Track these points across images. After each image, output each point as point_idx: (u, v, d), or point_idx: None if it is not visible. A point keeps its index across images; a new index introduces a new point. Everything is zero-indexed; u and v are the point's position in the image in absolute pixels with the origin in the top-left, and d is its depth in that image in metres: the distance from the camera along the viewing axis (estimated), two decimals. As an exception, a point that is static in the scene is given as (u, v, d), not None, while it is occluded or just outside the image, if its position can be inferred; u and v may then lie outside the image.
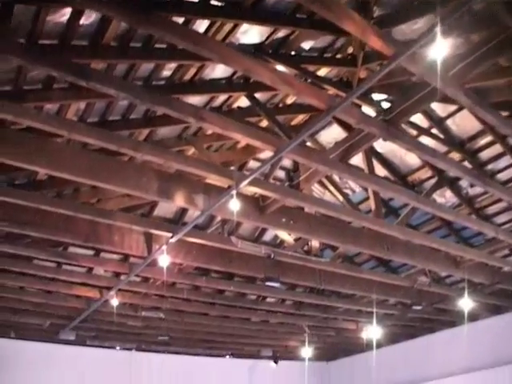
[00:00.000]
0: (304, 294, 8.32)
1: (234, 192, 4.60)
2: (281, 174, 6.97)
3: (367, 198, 6.91)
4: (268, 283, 6.27)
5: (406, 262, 7.35)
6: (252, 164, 6.70)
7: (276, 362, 11.62)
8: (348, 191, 7.48)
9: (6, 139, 4.25)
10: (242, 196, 5.01)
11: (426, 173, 7.17)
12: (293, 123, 6.44)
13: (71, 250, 7.11)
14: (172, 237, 5.48)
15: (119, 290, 7.46)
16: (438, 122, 6.37)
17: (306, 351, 10.77)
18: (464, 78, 4.07)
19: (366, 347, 11.97)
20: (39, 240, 6.47)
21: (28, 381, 10.03)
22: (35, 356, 10.22)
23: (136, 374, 10.95)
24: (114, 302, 7.44)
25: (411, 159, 7.01)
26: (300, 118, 6.48)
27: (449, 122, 6.39)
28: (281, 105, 6.05)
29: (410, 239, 6.66)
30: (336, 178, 7.20)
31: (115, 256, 7.52)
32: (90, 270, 7.48)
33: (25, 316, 8.93)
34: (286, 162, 6.81)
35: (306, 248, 7.06)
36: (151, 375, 11.17)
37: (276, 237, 7.69)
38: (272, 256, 6.02)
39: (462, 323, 10.72)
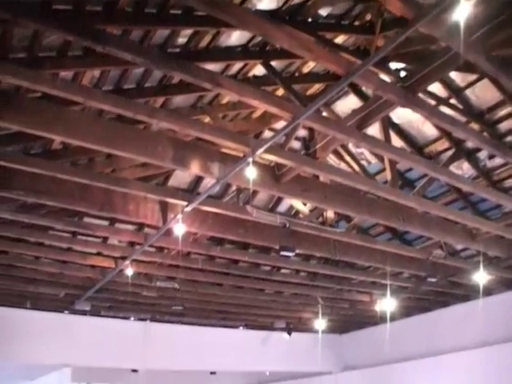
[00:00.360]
0: (318, 265, 8.35)
1: (250, 159, 4.60)
2: (296, 145, 6.96)
3: (383, 170, 6.89)
4: (283, 253, 6.29)
5: (422, 233, 7.33)
6: (267, 134, 6.69)
7: (289, 334, 11.72)
8: (364, 162, 7.45)
9: (23, 108, 4.28)
10: (257, 165, 5.00)
11: (443, 144, 7.12)
12: (308, 93, 6.41)
13: (86, 220, 7.21)
14: (187, 205, 5.52)
15: (134, 259, 7.55)
16: (457, 91, 6.30)
17: (320, 323, 10.85)
18: (487, 43, 4.00)
19: (380, 320, 12.07)
20: (55, 210, 6.56)
21: (43, 351, 10.23)
22: (50, 326, 10.40)
23: (150, 345, 11.12)
24: (129, 271, 7.52)
25: (428, 130, 6.96)
26: (316, 88, 6.45)
27: (468, 91, 6.31)
28: (297, 74, 6.01)
29: (426, 210, 6.65)
30: (352, 148, 7.18)
31: (130, 226, 7.60)
32: (105, 239, 7.55)
33: (40, 286, 9.05)
34: (302, 133, 6.79)
35: (320, 219, 7.10)
36: (165, 346, 11.32)
37: (291, 208, 7.72)
38: (287, 225, 6.04)
39: (476, 297, 10.76)
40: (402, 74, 5.58)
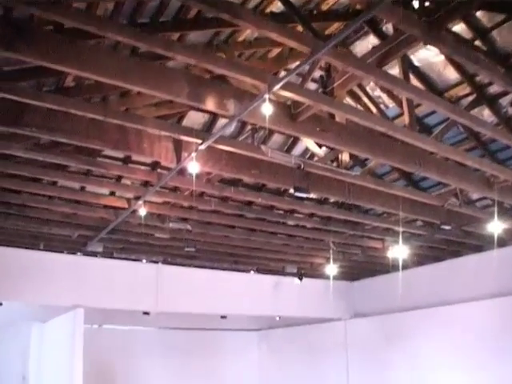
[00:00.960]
0: (332, 209, 8.41)
1: (266, 96, 4.58)
2: (313, 86, 6.90)
3: (401, 114, 6.83)
4: (297, 194, 6.33)
5: (438, 179, 7.32)
6: (283, 75, 6.63)
7: (300, 279, 11.90)
8: (381, 107, 7.38)
9: (35, 40, 4.24)
10: (273, 103, 4.99)
11: (464, 89, 6.99)
12: (327, 32, 6.31)
13: (100, 159, 7.26)
14: (201, 143, 5.54)
15: (147, 200, 7.64)
16: (483, 32, 6.15)
17: (331, 269, 11.00)
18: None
19: (391, 268, 12.21)
20: (69, 150, 6.62)
21: (56, 292, 10.49)
22: (63, 268, 10.64)
23: (161, 287, 11.37)
24: (142, 212, 7.62)
25: (450, 74, 6.83)
26: (335, 27, 6.33)
27: (494, 33, 6.16)
28: (315, 11, 5.90)
29: (443, 154, 6.63)
30: (370, 91, 7.12)
31: (143, 167, 7.66)
32: (119, 179, 7.62)
33: (54, 227, 9.21)
34: (319, 74, 6.71)
35: (335, 164, 7.11)
36: (176, 288, 11.58)
37: (306, 151, 7.72)
38: (302, 167, 6.06)
39: (490, 248, 10.84)
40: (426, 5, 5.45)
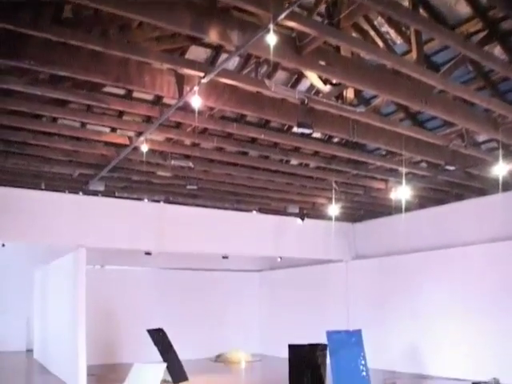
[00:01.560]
0: (336, 147, 8.39)
1: (271, 25, 4.51)
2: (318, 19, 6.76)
3: (408, 52, 6.71)
4: (300, 129, 6.31)
5: (444, 117, 7.27)
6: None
7: (302, 219, 12.01)
8: (389, 42, 7.24)
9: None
10: (278, 34, 4.89)
11: (475, 25, 6.84)
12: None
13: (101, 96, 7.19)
14: (204, 76, 5.49)
15: (149, 137, 7.63)
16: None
17: (333, 209, 11.08)
18: None
19: (393, 210, 12.30)
20: (69, 85, 6.55)
21: (58, 232, 10.61)
22: (65, 207, 10.72)
23: (163, 227, 11.49)
24: (144, 148, 7.62)
25: (461, 8, 6.67)
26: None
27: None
28: None
29: (451, 92, 6.56)
30: (377, 25, 6.98)
31: (145, 103, 7.58)
32: (120, 115, 7.58)
33: (55, 165, 9.23)
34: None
35: (340, 101, 7.04)
36: (178, 228, 11.70)
37: (310, 88, 7.64)
38: (305, 102, 6.03)
39: (493, 192, 10.87)
40: None
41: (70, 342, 11.09)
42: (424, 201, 12.14)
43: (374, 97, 7.50)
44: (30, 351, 17.27)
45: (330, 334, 10.24)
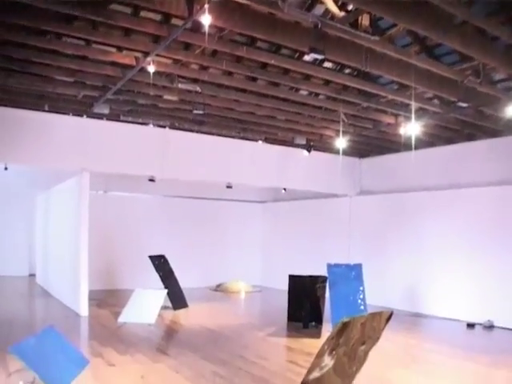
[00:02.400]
0: (348, 77, 8.26)
1: None
2: None
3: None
4: (312, 54, 6.19)
5: (463, 50, 7.12)
6: None
7: (309, 151, 12.00)
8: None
9: None
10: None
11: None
12: None
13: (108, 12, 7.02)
14: (215, -5, 5.36)
15: (157, 58, 7.53)
16: None
17: (341, 142, 11.05)
18: None
19: (402, 147, 12.27)
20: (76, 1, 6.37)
21: (61, 155, 10.63)
22: (69, 130, 10.71)
23: (168, 153, 11.51)
24: (151, 69, 7.53)
25: None
26: None
27: None
28: None
29: (473, 22, 6.39)
30: None
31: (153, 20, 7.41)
32: (127, 33, 7.43)
33: (59, 86, 9.12)
34: None
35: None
36: (183, 155, 11.73)
37: (325, 13, 7.45)
38: (319, 26, 5.90)
39: (505, 134, 10.80)
40: None
41: (73, 267, 11.35)
42: (433, 139, 12.08)
43: (390, 27, 7.31)
44: (32, 276, 17.71)
45: (330, 266, 10.45)
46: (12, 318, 10.27)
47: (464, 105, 9.03)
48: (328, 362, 3.31)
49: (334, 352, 3.27)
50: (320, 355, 3.22)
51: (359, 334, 3.43)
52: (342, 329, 3.15)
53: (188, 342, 8.82)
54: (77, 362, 6.76)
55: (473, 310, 10.85)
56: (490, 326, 10.36)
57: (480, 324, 10.53)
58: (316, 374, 3.38)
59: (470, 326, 10.49)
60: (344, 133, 10.93)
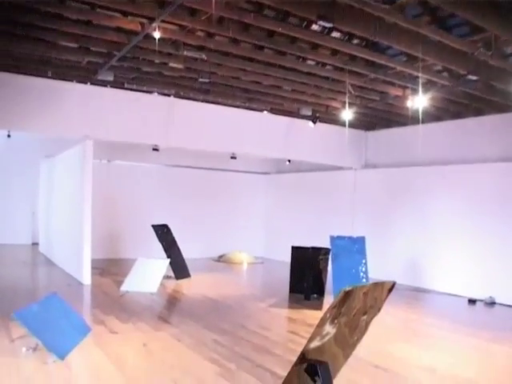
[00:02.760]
0: (356, 47, 8.15)
1: None
2: None
3: None
4: (321, 22, 6.11)
5: (474, 20, 7.00)
6: None
7: (314, 123, 11.93)
8: None
9: None
10: None
11: None
12: None
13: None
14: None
15: (162, 24, 7.44)
16: None
17: (347, 113, 10.97)
18: None
19: (408, 120, 12.20)
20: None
21: (65, 123, 10.60)
22: (73, 97, 10.66)
23: (173, 122, 11.47)
24: (156, 35, 7.45)
25: None
26: None
27: None
28: None
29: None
30: None
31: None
32: (132, -1, 7.33)
33: (63, 52, 9.02)
34: None
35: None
36: (188, 124, 11.68)
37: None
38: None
39: (514, 110, 10.70)
40: None
41: (76, 235, 11.41)
42: (441, 113, 11.99)
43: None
44: (35, 244, 17.83)
45: (333, 238, 10.49)
46: (15, 286, 10.38)
47: (474, 78, 8.94)
48: (329, 330, 3.33)
49: (335, 321, 3.28)
50: (321, 324, 3.24)
51: (361, 304, 3.44)
52: (344, 298, 3.16)
53: (190, 311, 8.91)
54: (79, 329, 6.86)
55: (474, 287, 10.91)
56: (491, 303, 10.42)
57: (481, 300, 10.59)
58: (317, 342, 3.40)
59: (472, 301, 10.56)
60: (350, 104, 10.84)
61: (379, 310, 3.83)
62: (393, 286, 3.72)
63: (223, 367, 5.79)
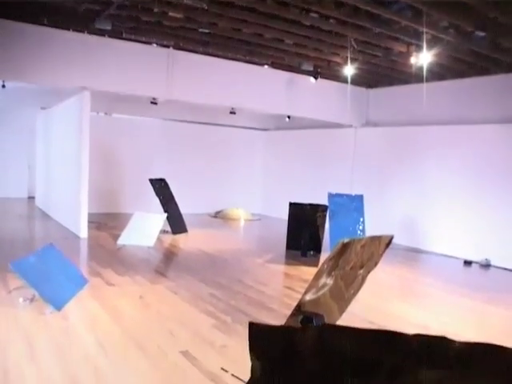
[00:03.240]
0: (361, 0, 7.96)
1: None
2: None
3: None
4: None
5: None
6: None
7: (315, 78, 11.77)
8: None
9: None
10: None
11: None
12: None
13: None
14: None
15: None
16: None
17: (349, 69, 10.81)
18: None
19: (411, 78, 12.05)
20: None
21: (61, 73, 10.43)
22: (70, 46, 10.45)
23: (172, 74, 11.31)
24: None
25: None
26: None
27: None
28: None
29: None
30: None
31: None
32: None
33: (59, -4, 8.83)
34: None
35: None
36: (187, 76, 11.52)
37: None
38: None
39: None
40: None
41: (73, 189, 11.40)
42: (444, 71, 11.81)
43: None
44: (31, 198, 17.85)
45: (331, 196, 10.51)
46: (12, 238, 10.43)
47: (481, 34, 8.78)
48: (326, 282, 3.36)
49: (332, 273, 3.31)
50: (318, 276, 3.26)
51: (358, 257, 3.46)
52: (342, 250, 3.17)
53: (186, 265, 8.98)
54: (76, 280, 6.92)
55: (470, 249, 10.97)
56: (486, 265, 10.50)
57: (477, 262, 10.68)
58: (312, 295, 3.43)
59: (467, 263, 10.64)
60: (353, 60, 10.68)
61: (376, 264, 3.85)
62: (390, 240, 3.73)
63: (219, 320, 5.87)
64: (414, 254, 11.54)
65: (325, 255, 10.04)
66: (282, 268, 9.36)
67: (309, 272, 8.81)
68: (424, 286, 8.57)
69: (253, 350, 1.79)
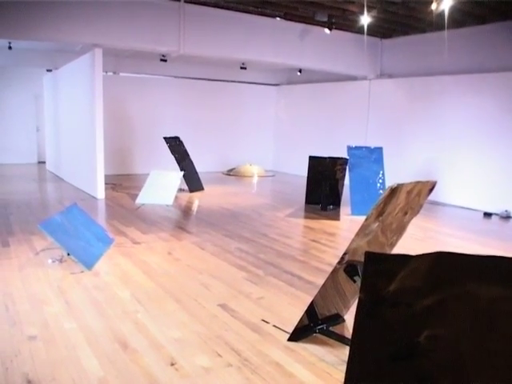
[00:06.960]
0: None
1: None
2: None
3: None
4: None
5: None
6: None
7: (330, 29, 11.57)
8: None
9: None
10: None
11: None
12: None
13: None
14: None
15: None
16: None
17: (365, 18, 10.59)
18: None
19: (429, 27, 11.81)
20: None
21: (72, 30, 10.23)
22: (78, 2, 10.25)
23: (184, 28, 11.11)
24: None
25: None
26: None
27: None
28: None
29: None
30: None
31: None
32: None
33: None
34: None
35: None
36: (198, 29, 11.31)
37: None
38: None
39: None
40: None
41: (88, 150, 11.38)
42: (464, 17, 11.51)
43: None
44: (41, 163, 17.85)
45: (351, 148, 10.45)
46: (29, 201, 10.47)
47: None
48: (372, 228, 3.38)
49: (380, 218, 3.32)
50: (367, 223, 3.28)
51: (404, 203, 3.47)
52: (390, 195, 3.18)
53: (209, 221, 9.03)
54: (102, 239, 7.00)
55: (490, 201, 10.95)
56: (506, 217, 10.50)
57: (497, 214, 10.68)
58: (360, 242, 3.46)
59: (487, 215, 10.65)
60: (369, 8, 10.46)
61: (419, 211, 3.87)
62: (434, 185, 3.73)
63: (251, 273, 5.94)
64: (433, 206, 11.53)
65: (344, 209, 10.09)
66: (303, 222, 9.38)
67: (331, 225, 8.87)
68: (445, 237, 8.60)
69: (367, 279, 1.84)
